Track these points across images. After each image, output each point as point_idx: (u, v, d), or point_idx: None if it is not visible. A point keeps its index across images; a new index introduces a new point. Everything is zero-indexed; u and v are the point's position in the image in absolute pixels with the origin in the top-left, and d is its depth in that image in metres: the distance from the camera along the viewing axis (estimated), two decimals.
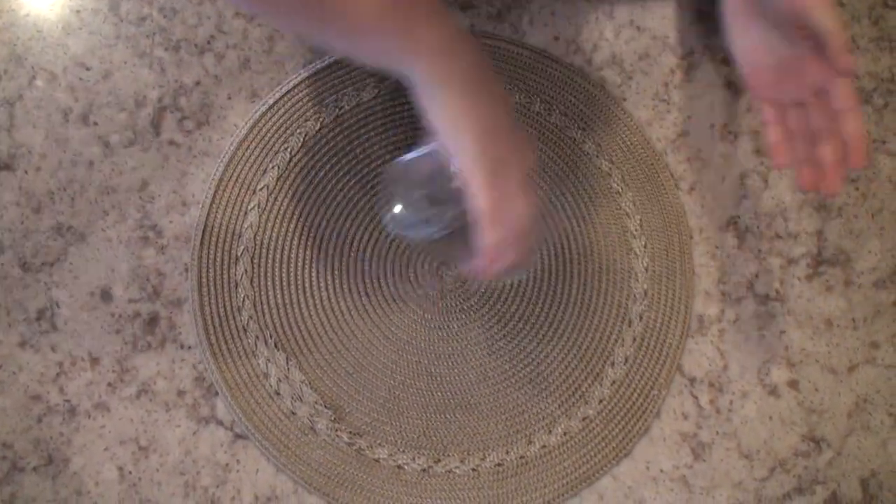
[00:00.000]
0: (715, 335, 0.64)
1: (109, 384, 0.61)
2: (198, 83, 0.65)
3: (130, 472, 0.60)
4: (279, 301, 0.63)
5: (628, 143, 0.66)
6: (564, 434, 0.62)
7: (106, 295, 0.62)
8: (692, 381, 0.63)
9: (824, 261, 0.65)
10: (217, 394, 0.61)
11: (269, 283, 0.63)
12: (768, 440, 0.63)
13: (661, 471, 0.62)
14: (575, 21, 0.68)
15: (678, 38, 0.68)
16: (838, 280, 0.65)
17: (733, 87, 0.68)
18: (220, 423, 0.61)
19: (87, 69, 0.65)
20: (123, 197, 0.64)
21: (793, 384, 0.64)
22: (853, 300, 0.65)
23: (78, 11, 0.66)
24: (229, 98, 0.65)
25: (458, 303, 0.63)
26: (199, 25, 0.66)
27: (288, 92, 0.65)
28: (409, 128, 0.65)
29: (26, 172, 0.63)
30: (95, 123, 0.64)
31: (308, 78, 0.65)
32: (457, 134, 0.48)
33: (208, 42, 0.66)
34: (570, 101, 0.66)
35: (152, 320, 0.62)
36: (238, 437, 0.61)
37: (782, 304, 0.65)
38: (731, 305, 0.64)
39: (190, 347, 0.62)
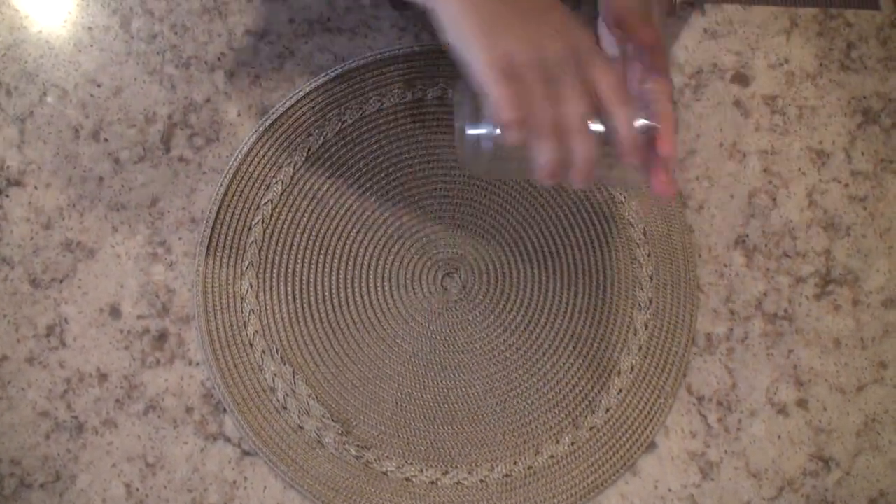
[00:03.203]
0: (723, 354, 0.64)
1: (117, 401, 0.61)
2: (208, 100, 0.66)
3: (138, 489, 0.60)
4: (285, 315, 0.63)
5: None
6: (572, 444, 0.62)
7: (115, 311, 0.62)
8: (700, 399, 0.63)
9: (832, 280, 0.65)
10: (225, 410, 0.61)
11: (275, 298, 0.63)
12: (777, 459, 0.62)
13: (670, 490, 0.62)
14: None
15: (687, 57, 0.69)
16: (846, 299, 0.65)
17: (742, 105, 0.68)
18: (228, 439, 0.61)
19: (98, 86, 0.65)
20: (133, 213, 0.64)
21: (801, 403, 0.63)
22: (861, 320, 0.65)
23: (89, 28, 0.66)
24: (239, 115, 0.65)
25: (463, 314, 0.63)
26: (209, 43, 0.67)
27: (291, 107, 0.65)
28: (413, 140, 0.66)
29: (36, 188, 0.64)
30: (106, 140, 0.65)
31: (311, 92, 0.65)
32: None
33: (218, 59, 0.66)
34: None
35: (161, 337, 0.62)
36: (246, 454, 0.61)
37: (790, 323, 0.65)
38: (740, 324, 0.64)
39: (198, 364, 0.62)
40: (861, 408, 0.63)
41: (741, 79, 0.69)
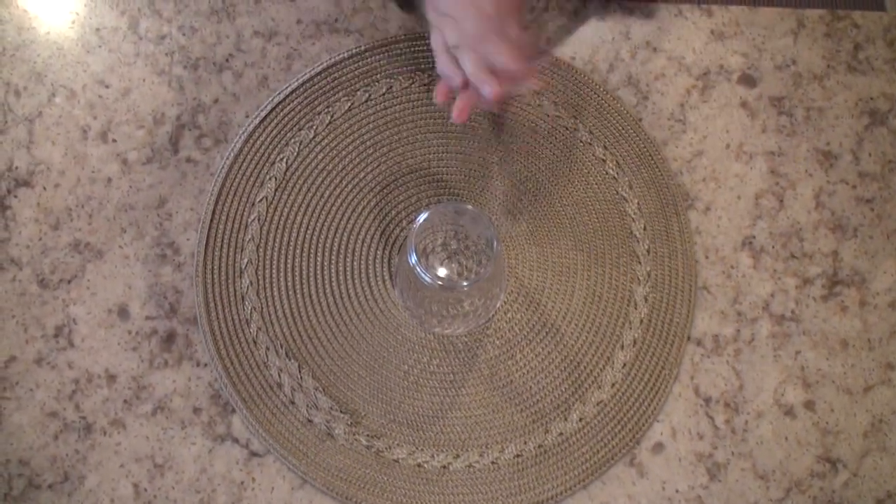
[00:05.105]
0: (730, 355, 0.64)
1: (126, 401, 0.61)
2: (216, 101, 0.66)
3: (146, 490, 0.60)
4: (286, 310, 0.63)
5: (620, 128, 0.67)
6: (580, 420, 0.62)
7: (123, 312, 0.62)
8: (707, 401, 0.63)
9: (840, 281, 0.65)
10: (233, 411, 0.61)
11: (276, 294, 0.63)
12: (784, 461, 0.62)
13: (677, 491, 0.62)
14: (591, 42, 0.69)
15: (694, 59, 0.69)
16: (854, 301, 0.65)
17: (749, 107, 0.68)
18: (236, 440, 0.61)
19: (107, 87, 0.66)
20: (141, 214, 0.64)
21: (808, 405, 0.63)
22: (868, 321, 0.65)
23: (98, 30, 0.66)
24: (247, 116, 0.66)
25: None
26: (217, 44, 0.67)
27: (280, 103, 0.65)
28: (402, 126, 0.66)
29: (45, 189, 0.64)
30: (114, 141, 0.65)
31: (299, 87, 0.66)
32: None
33: (227, 60, 0.66)
34: (560, 92, 0.68)
35: (169, 337, 0.62)
36: (253, 454, 0.61)
37: (798, 324, 0.65)
38: (747, 325, 0.64)
39: (206, 365, 0.62)
40: (868, 409, 0.64)
41: (748, 80, 0.69)
